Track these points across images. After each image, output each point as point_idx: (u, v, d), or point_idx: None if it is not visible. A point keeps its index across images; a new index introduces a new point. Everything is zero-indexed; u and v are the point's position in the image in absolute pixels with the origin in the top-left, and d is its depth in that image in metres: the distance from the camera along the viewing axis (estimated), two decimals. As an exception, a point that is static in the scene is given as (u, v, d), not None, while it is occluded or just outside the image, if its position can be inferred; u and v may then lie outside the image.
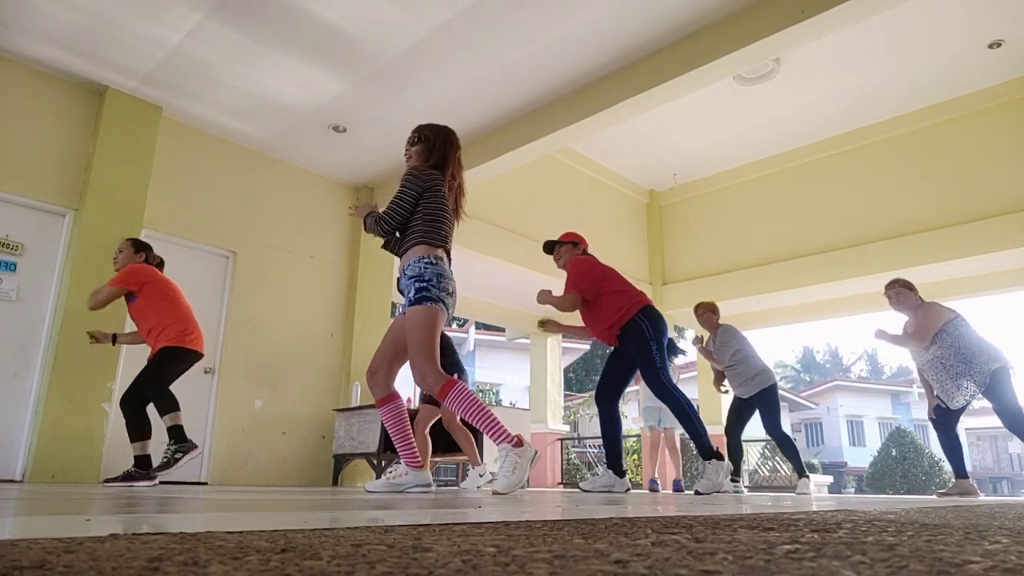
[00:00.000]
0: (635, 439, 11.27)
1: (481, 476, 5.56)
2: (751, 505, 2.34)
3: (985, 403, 5.02)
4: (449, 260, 3.24)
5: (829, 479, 12.91)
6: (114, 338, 4.50)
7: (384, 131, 6.19)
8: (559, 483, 10.40)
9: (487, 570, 0.54)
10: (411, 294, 3.08)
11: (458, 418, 5.29)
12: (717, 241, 9.25)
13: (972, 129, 7.31)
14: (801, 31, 4.44)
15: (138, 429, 4.14)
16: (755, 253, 8.76)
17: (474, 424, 3.02)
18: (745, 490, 6.00)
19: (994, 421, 6.42)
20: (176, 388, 4.32)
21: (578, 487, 5.55)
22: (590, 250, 4.81)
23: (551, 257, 4.79)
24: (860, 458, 23.54)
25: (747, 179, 9.05)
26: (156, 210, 5.75)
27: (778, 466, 10.55)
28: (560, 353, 10.69)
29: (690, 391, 5.41)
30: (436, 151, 3.32)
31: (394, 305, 7.36)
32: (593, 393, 4.85)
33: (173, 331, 4.22)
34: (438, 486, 7.34)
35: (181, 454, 4.02)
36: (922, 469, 16.62)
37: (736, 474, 5.52)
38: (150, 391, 4.15)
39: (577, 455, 13.07)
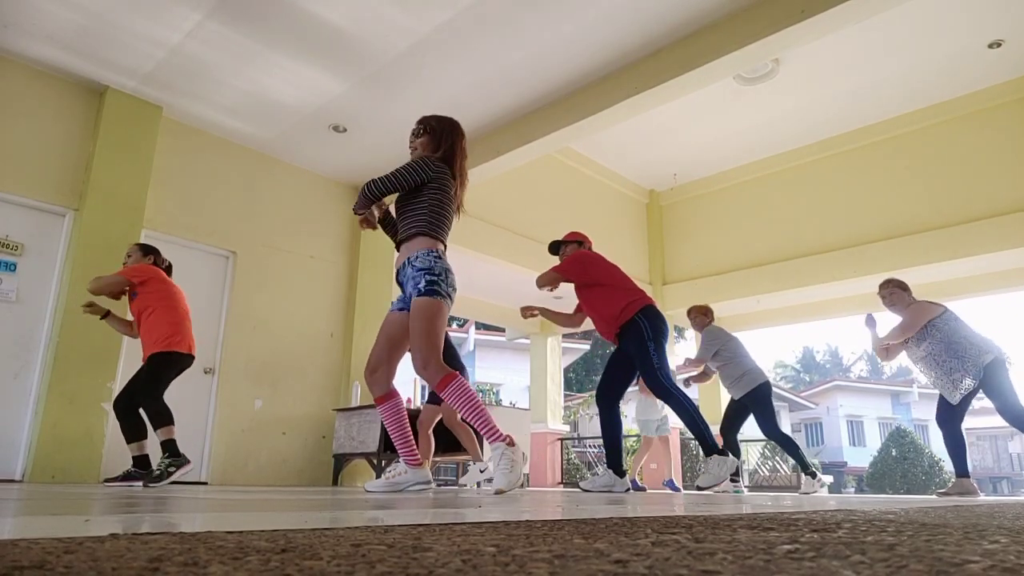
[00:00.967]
0: (635, 439, 11.27)
1: (482, 472, 5.61)
2: (751, 505, 2.34)
3: (985, 403, 5.01)
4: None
5: (829, 479, 12.90)
6: (107, 314, 4.46)
7: (384, 131, 6.19)
8: (559, 483, 10.40)
9: (487, 570, 0.54)
10: (420, 285, 3.07)
11: (459, 416, 5.31)
12: (717, 241, 9.25)
13: (972, 129, 7.31)
14: (801, 31, 4.45)
15: (133, 430, 4.16)
16: (755, 253, 8.76)
17: (468, 420, 3.04)
18: (745, 490, 6.00)
19: (994, 421, 6.42)
20: (176, 388, 4.33)
21: (578, 487, 5.56)
22: (593, 249, 4.81)
23: (555, 258, 4.80)
24: (860, 458, 23.53)
25: (747, 179, 9.05)
26: (156, 210, 5.75)
27: (778, 466, 10.56)
28: (560, 353, 10.69)
29: (690, 391, 5.40)
30: (444, 141, 3.31)
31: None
32: (593, 393, 4.85)
33: (160, 334, 4.20)
34: (438, 486, 7.35)
35: (175, 468, 3.99)
36: (922, 469, 16.61)
37: (735, 474, 5.52)
38: (143, 400, 4.14)
39: (577, 455, 13.08)
